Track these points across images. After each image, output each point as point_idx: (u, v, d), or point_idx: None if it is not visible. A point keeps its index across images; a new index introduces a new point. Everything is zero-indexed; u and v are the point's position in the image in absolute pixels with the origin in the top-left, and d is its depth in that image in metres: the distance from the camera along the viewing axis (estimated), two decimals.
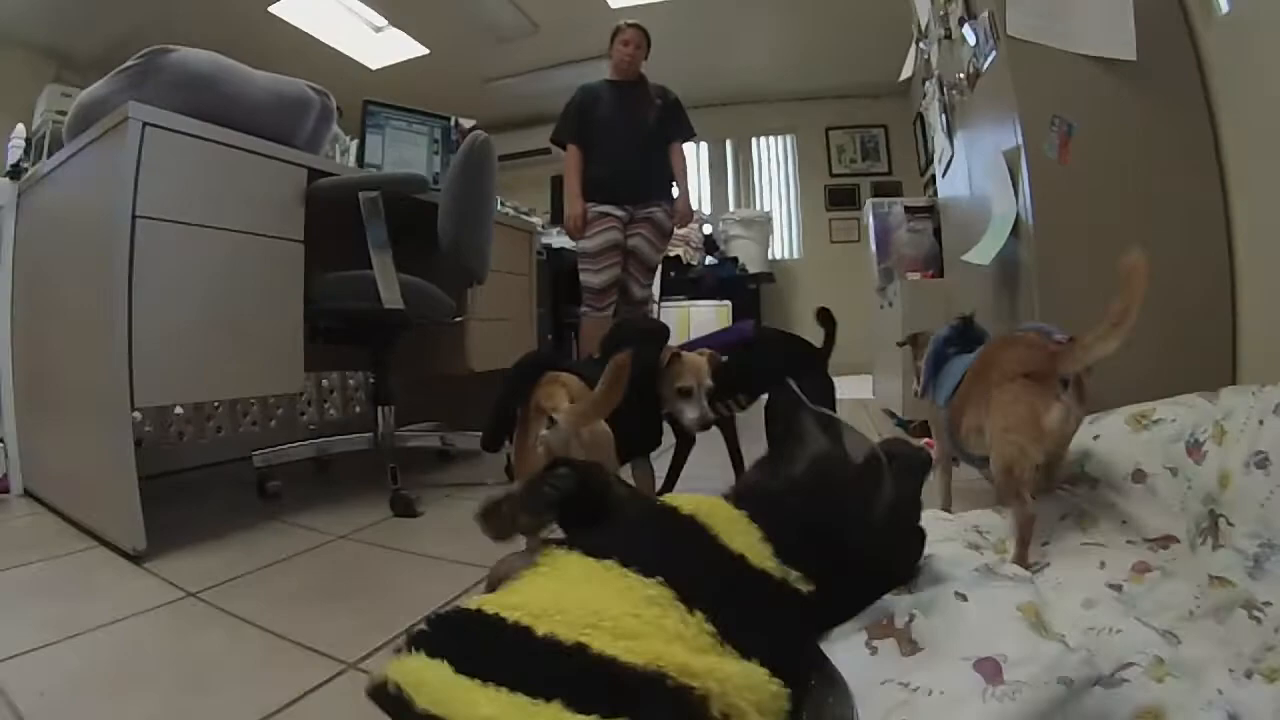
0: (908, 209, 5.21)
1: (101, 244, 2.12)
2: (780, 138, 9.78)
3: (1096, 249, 2.43)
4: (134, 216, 2.09)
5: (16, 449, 2.96)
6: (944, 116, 4.11)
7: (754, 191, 9.94)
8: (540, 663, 0.79)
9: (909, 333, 2.53)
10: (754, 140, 9.85)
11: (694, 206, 4.84)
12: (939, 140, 4.39)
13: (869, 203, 5.58)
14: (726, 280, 8.51)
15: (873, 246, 5.40)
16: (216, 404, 3.43)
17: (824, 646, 1.05)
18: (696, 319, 8.01)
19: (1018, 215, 2.75)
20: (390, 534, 2.40)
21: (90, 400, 2.25)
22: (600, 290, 4.34)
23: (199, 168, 2.29)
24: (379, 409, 2.97)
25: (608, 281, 4.34)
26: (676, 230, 4.80)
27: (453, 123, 3.99)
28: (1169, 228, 2.47)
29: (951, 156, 4.09)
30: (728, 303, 8.08)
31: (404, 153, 3.75)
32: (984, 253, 2.93)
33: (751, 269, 8.87)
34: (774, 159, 9.90)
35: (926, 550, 1.31)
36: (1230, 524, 1.47)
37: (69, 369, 2.42)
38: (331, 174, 2.68)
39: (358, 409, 4.10)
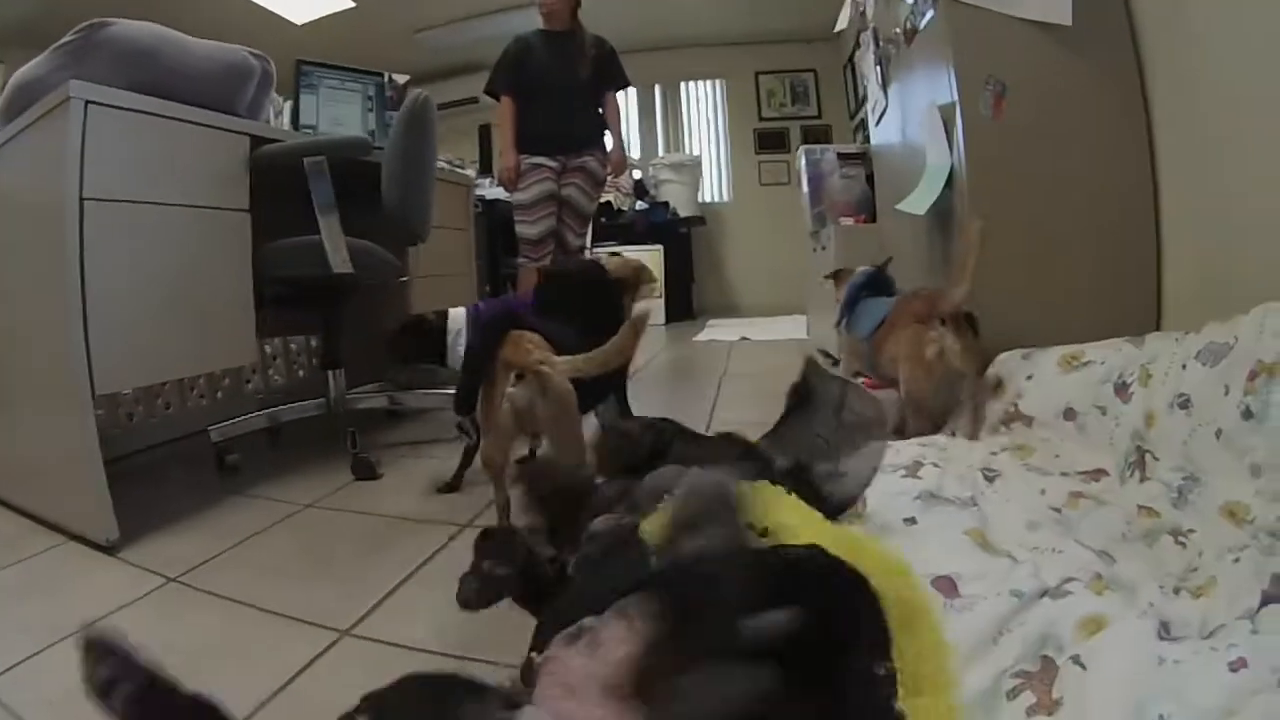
0: (840, 155, 5.28)
1: (50, 229, 2.08)
2: (710, 82, 9.79)
3: (1025, 201, 2.55)
4: (81, 199, 2.05)
5: None
6: (879, 69, 4.17)
7: (684, 136, 9.97)
8: None
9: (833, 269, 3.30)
10: (683, 85, 9.86)
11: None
12: (873, 91, 4.44)
13: (802, 149, 5.65)
14: (658, 225, 8.59)
15: (805, 191, 5.46)
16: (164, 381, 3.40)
17: None
18: None
19: (951, 167, 2.81)
20: (355, 498, 2.43)
21: (47, 390, 2.22)
22: (537, 241, 4.38)
23: (143, 144, 2.25)
24: (329, 373, 2.98)
25: (544, 232, 4.38)
26: (611, 179, 4.85)
27: (386, 79, 3.96)
28: (1097, 184, 2.59)
29: (885, 107, 4.15)
30: (659, 247, 8.14)
31: (339, 112, 3.70)
32: (919, 203, 3.00)
33: (682, 213, 8.93)
34: (703, 103, 9.91)
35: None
36: (1156, 459, 1.64)
37: (21, 359, 2.37)
38: (274, 140, 2.65)
39: (301, 373, 4.06)
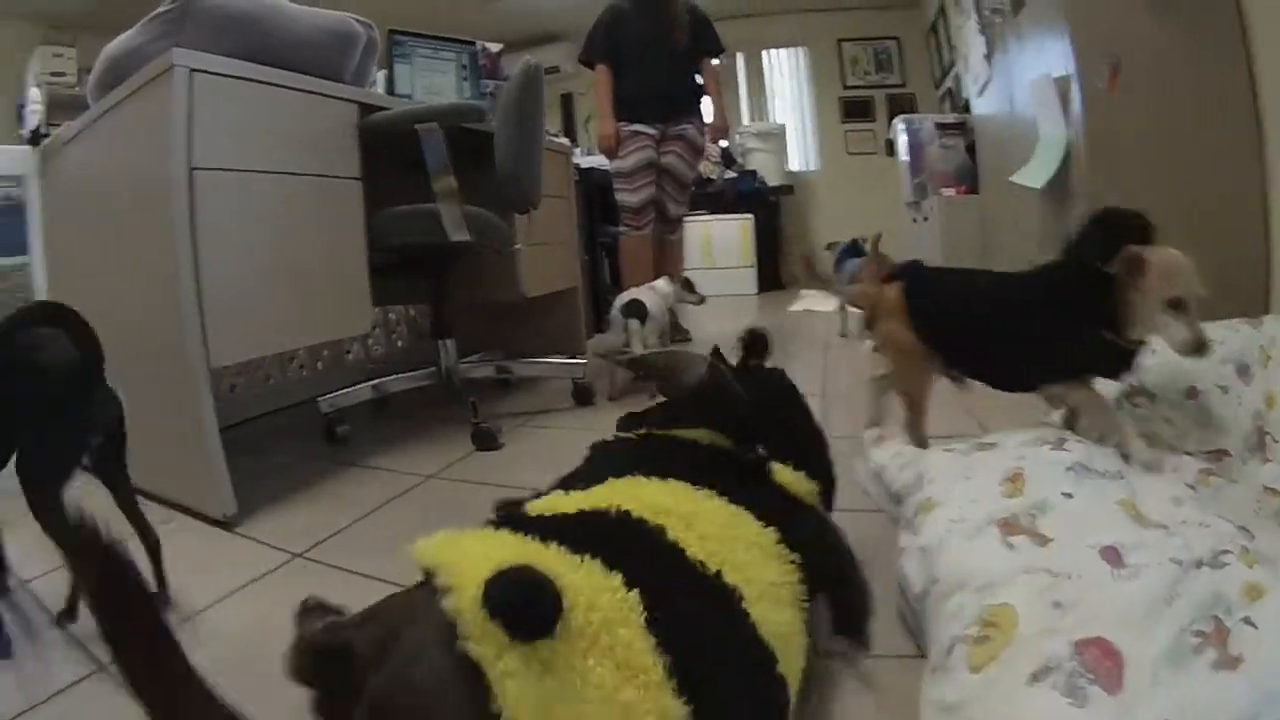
0: (939, 125, 5.19)
1: (159, 200, 2.03)
2: (791, 50, 9.58)
3: (1143, 176, 2.46)
4: (191, 169, 2.00)
5: None
6: (983, 38, 4.07)
7: (767, 104, 9.78)
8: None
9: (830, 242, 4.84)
10: (765, 53, 9.65)
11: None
12: (974, 61, 4.35)
13: (900, 119, 5.57)
14: (746, 194, 8.46)
15: (905, 160, 5.37)
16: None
17: (960, 545, 1.16)
18: (718, 234, 7.99)
19: (1067, 140, 2.74)
20: (477, 469, 2.37)
21: (161, 364, 2.16)
22: (638, 209, 4.32)
23: (250, 112, 2.20)
24: (440, 342, 2.94)
25: (645, 200, 4.32)
26: (713, 144, 4.82)
27: (479, 48, 3.93)
28: (1206, 161, 2.51)
29: (989, 78, 4.06)
30: (750, 216, 8.05)
31: (433, 81, 3.69)
32: (1036, 175, 2.92)
33: (770, 182, 8.80)
34: (786, 72, 9.72)
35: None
36: (1276, 441, 1.58)
37: (130, 333, 2.25)
38: (382, 108, 2.61)
39: (400, 343, 4.05)
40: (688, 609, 0.81)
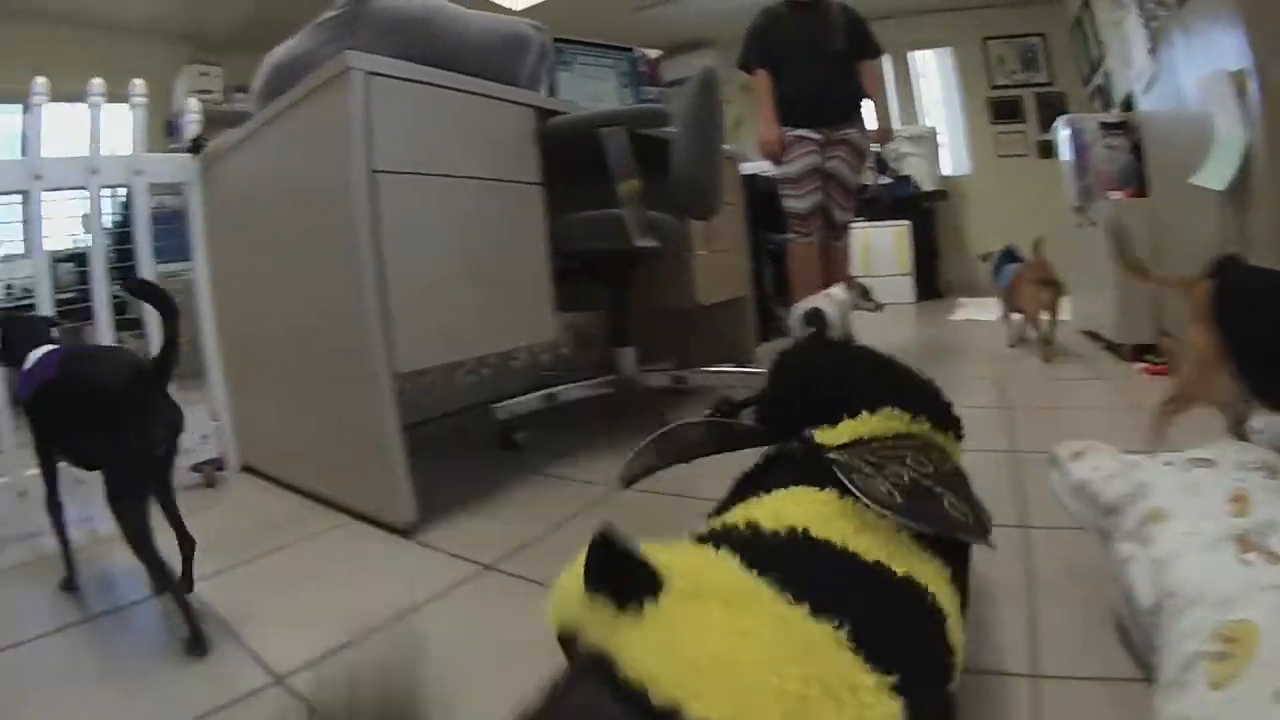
0: (1102, 125, 4.99)
1: (339, 204, 2.02)
2: (937, 50, 9.36)
3: None
4: (372, 171, 1.98)
5: (231, 425, 2.94)
6: (1146, 32, 3.91)
7: (916, 107, 9.57)
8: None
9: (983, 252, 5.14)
10: (910, 55, 9.45)
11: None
12: (1136, 57, 4.18)
13: (1062, 118, 5.35)
14: (902, 199, 8.30)
15: (1068, 162, 5.17)
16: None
17: (1197, 558, 1.05)
18: (875, 241, 7.86)
19: (1245, 140, 2.58)
20: (666, 480, 2.25)
21: (342, 369, 2.16)
22: (806, 215, 4.23)
23: (427, 115, 2.17)
24: (619, 350, 2.90)
25: (812, 206, 4.23)
26: (876, 149, 4.70)
27: (637, 54, 3.90)
28: None
29: (1155, 74, 3.89)
30: (906, 223, 7.89)
31: (594, 88, 3.67)
32: (1218, 176, 2.75)
33: (924, 187, 8.63)
34: (932, 73, 9.50)
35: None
36: None
37: (308, 339, 2.34)
38: (559, 113, 2.58)
39: (564, 350, 4.03)
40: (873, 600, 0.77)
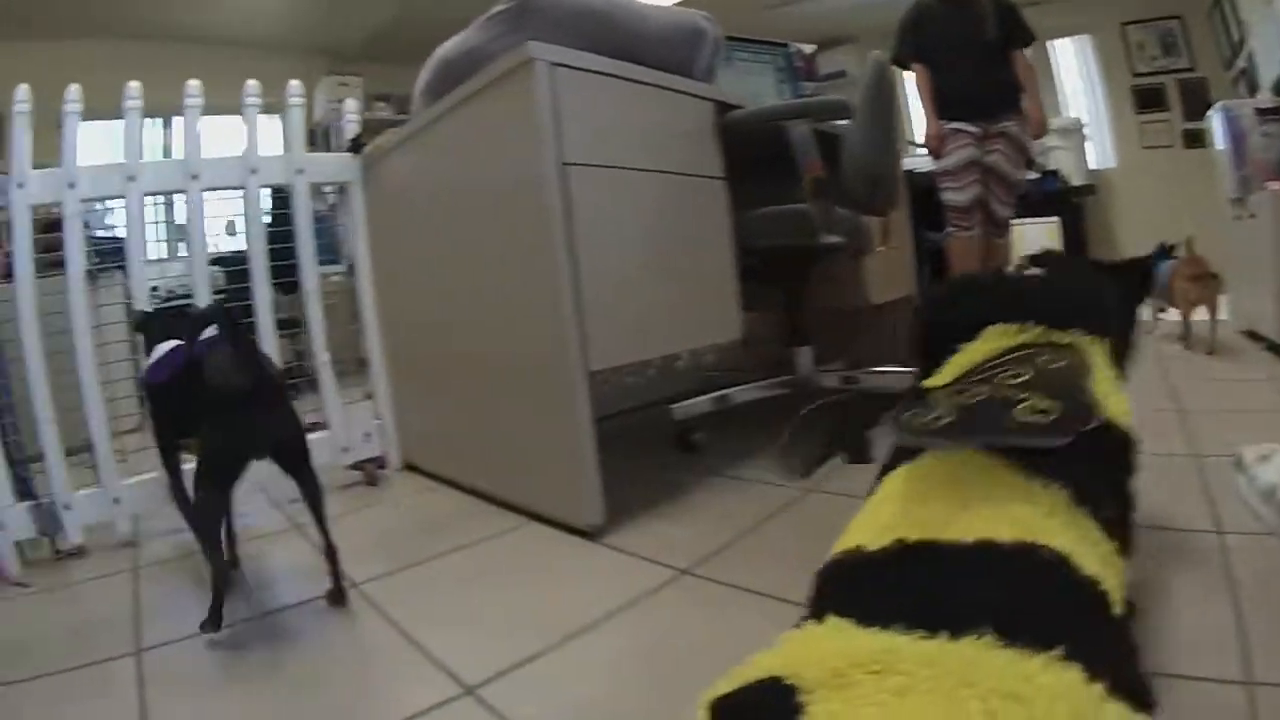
0: (1258, 111, 4.75)
1: (529, 198, 1.99)
2: (1075, 38, 9.01)
3: None
4: (562, 164, 1.95)
5: (393, 424, 2.95)
6: None
7: (1058, 98, 9.18)
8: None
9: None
10: (1049, 44, 9.08)
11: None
12: None
13: (1218, 105, 5.11)
14: (1051, 195, 7.95)
15: (1224, 151, 4.94)
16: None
17: None
18: (1028, 239, 7.61)
19: None
20: (854, 482, 2.17)
21: (528, 367, 2.12)
22: (965, 208, 4.13)
23: (611, 107, 2.13)
24: (796, 350, 2.83)
25: (971, 199, 4.13)
26: (1033, 143, 4.48)
27: (793, 49, 3.83)
28: None
29: None
30: (1055, 219, 7.62)
31: (753, 84, 3.60)
32: None
33: (1072, 181, 8.26)
34: (1072, 62, 9.15)
35: None
36: None
37: (485, 336, 2.32)
38: (736, 106, 2.52)
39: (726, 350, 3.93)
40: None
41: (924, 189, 4.33)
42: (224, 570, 1.60)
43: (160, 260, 3.89)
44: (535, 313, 2.04)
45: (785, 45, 3.76)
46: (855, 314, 3.20)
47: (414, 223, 2.66)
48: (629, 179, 2.14)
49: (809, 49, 3.95)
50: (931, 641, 0.61)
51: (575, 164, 1.98)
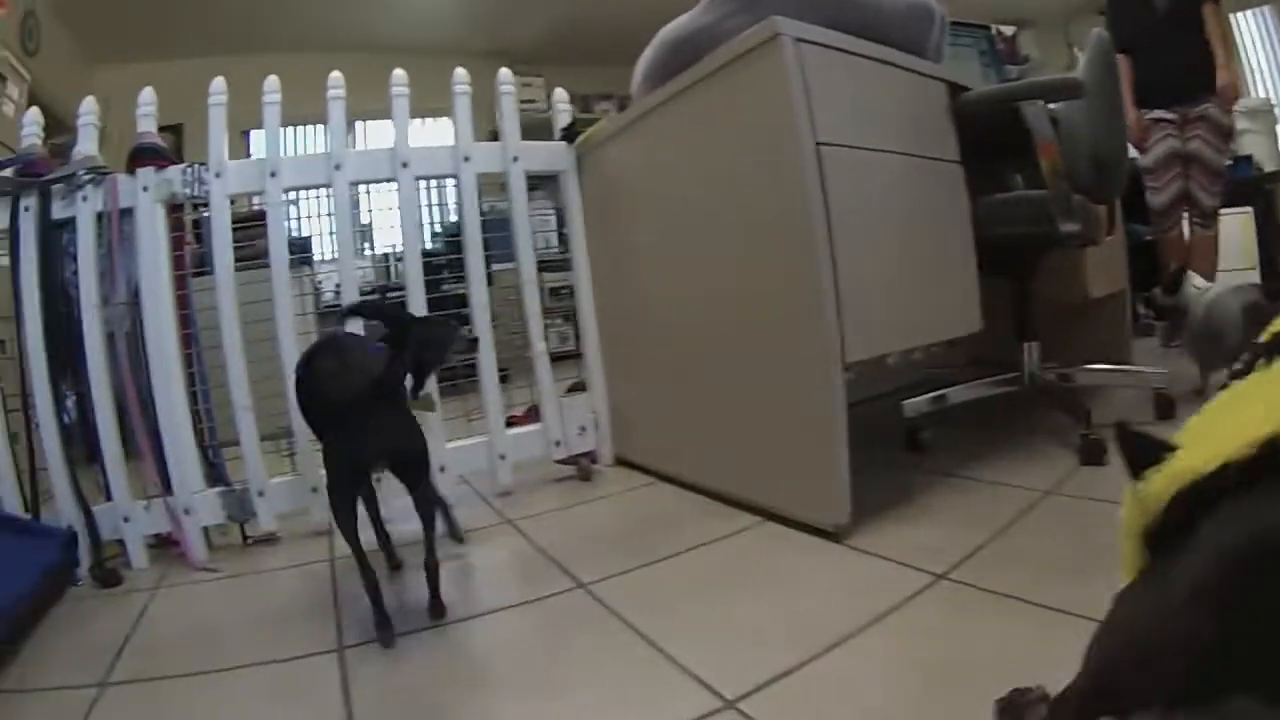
0: None
1: (780, 181, 1.90)
2: (1257, 10, 8.38)
3: None
4: (817, 144, 1.84)
5: (607, 417, 2.90)
6: None
7: (1245, 76, 8.55)
8: None
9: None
10: (1233, 17, 8.59)
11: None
12: None
13: None
14: (1243, 183, 7.14)
15: None
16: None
17: None
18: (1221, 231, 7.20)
19: None
20: (1096, 485, 2.04)
21: (772, 358, 2.02)
22: (1163, 210, 3.99)
23: (853, 85, 2.03)
24: (1025, 345, 2.68)
25: (1171, 199, 3.98)
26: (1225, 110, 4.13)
27: (993, 31, 3.67)
28: None
29: None
30: (1247, 210, 7.10)
31: (959, 68, 3.45)
32: None
33: (1265, 167, 7.61)
34: (1257, 37, 8.59)
35: None
36: None
37: (719, 327, 2.22)
38: (966, 88, 2.39)
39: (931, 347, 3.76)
40: None
41: (1131, 178, 4.11)
42: (371, 579, 1.58)
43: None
44: (785, 301, 1.94)
45: (986, 28, 3.60)
46: (1071, 309, 3.01)
47: (636, 211, 2.60)
48: (876, 161, 2.04)
49: (1009, 30, 3.79)
50: None
51: (828, 144, 1.88)
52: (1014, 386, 2.66)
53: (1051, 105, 2.54)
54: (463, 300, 2.71)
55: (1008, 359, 2.73)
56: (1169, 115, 3.88)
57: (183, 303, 2.46)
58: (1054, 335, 2.82)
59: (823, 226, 1.83)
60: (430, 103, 2.67)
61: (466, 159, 2.69)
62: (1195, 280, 2.84)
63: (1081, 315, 3.11)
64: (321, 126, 2.62)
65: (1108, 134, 2.53)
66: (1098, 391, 2.92)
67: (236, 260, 2.47)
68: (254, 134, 2.48)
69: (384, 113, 2.63)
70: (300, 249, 2.99)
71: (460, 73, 2.71)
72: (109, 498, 2.34)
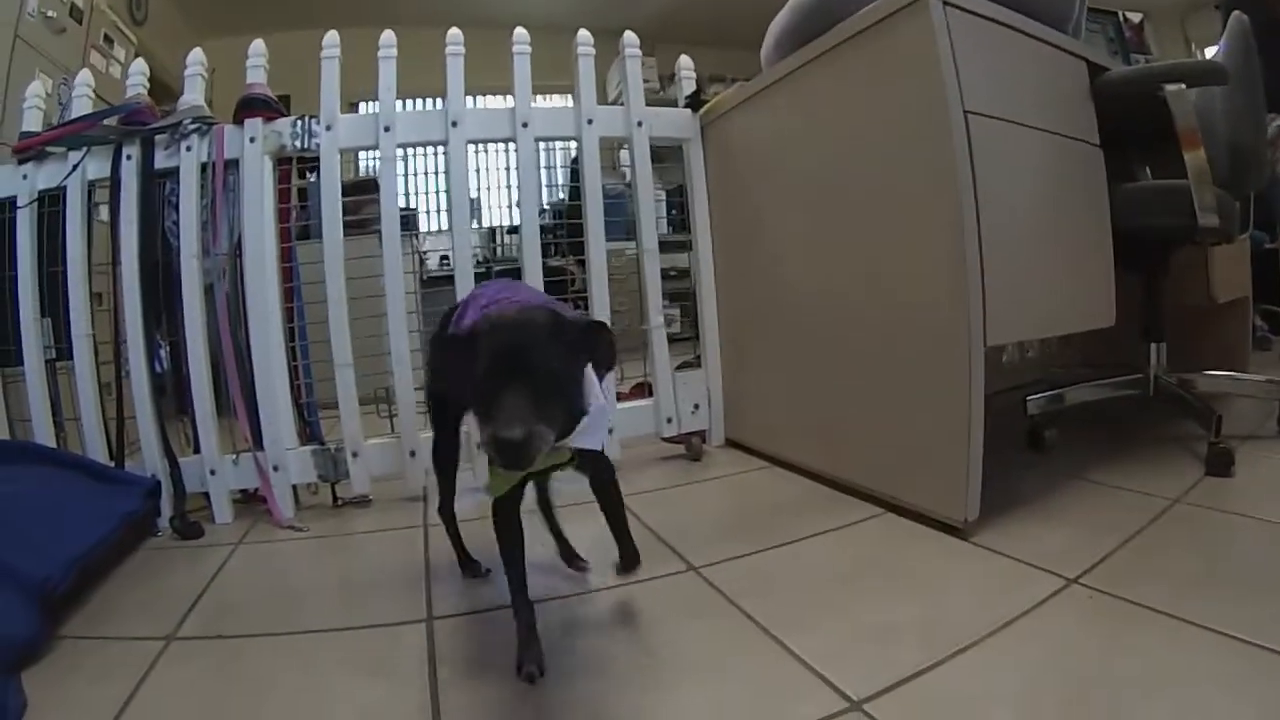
0: None
1: (923, 151, 1.81)
2: None
3: None
4: (965, 112, 1.76)
5: (721, 398, 2.83)
6: None
7: None
8: None
9: None
10: None
11: None
12: None
13: None
14: None
15: None
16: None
17: None
18: None
19: None
20: (1225, 496, 1.94)
21: (906, 340, 1.93)
22: None
23: (999, 56, 1.93)
24: (1150, 345, 2.56)
25: None
26: None
27: (1121, 18, 3.54)
28: None
29: None
30: None
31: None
32: None
33: None
34: None
35: None
36: None
37: (852, 305, 2.12)
38: (1105, 68, 2.28)
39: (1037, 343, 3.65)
40: None
41: None
42: (524, 615, 1.32)
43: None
44: (924, 279, 1.86)
45: (1114, 14, 3.46)
46: (1195, 313, 2.88)
47: (761, 184, 2.52)
48: (1021, 135, 1.95)
49: (1136, 17, 3.62)
50: None
51: (976, 113, 1.78)
52: (1136, 390, 2.54)
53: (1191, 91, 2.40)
54: (559, 272, 2.66)
55: (1122, 361, 2.63)
56: None
57: (286, 256, 2.43)
58: (1175, 339, 2.70)
59: (970, 200, 1.73)
60: (543, 80, 2.59)
61: (590, 121, 2.64)
62: None
63: (1204, 320, 2.97)
64: (432, 101, 2.58)
65: (1248, 124, 2.41)
66: (1217, 400, 2.80)
67: (344, 229, 2.45)
68: (362, 106, 2.44)
69: (498, 88, 2.59)
70: (405, 221, 2.95)
71: (584, 34, 2.68)
72: (197, 450, 2.33)
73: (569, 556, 1.76)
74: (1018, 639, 1.29)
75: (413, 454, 2.40)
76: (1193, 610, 1.30)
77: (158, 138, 2.36)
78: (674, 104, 2.91)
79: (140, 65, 2.54)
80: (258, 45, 2.46)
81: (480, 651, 1.38)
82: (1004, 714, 1.08)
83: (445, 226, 3.04)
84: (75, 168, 2.33)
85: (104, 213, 2.46)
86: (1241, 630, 1.22)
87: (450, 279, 2.53)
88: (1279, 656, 1.14)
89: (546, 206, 4.99)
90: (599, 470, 1.48)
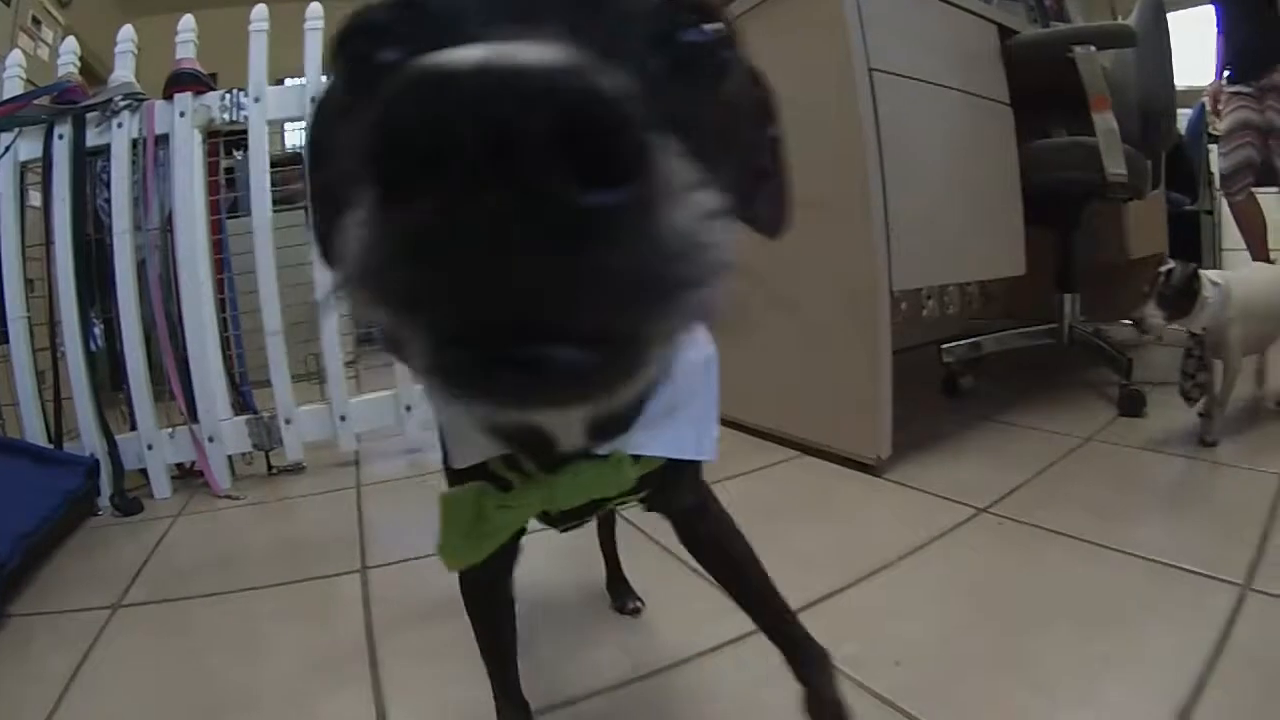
0: None
1: (831, 107, 1.87)
2: None
3: None
4: (870, 69, 1.82)
5: None
6: None
7: None
8: None
9: None
10: None
11: None
12: None
13: None
14: None
15: None
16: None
17: None
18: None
19: None
20: (1136, 433, 2.04)
21: (819, 289, 1.98)
22: (1229, 174, 3.83)
23: (904, 15, 1.99)
24: (1063, 297, 2.62)
25: (1237, 163, 3.78)
26: None
27: None
28: None
29: None
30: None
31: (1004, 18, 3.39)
32: None
33: None
34: None
35: None
36: None
37: (764, 257, 2.14)
38: (1015, 32, 2.34)
39: (970, 303, 3.77)
40: None
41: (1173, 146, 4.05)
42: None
43: None
44: (833, 228, 1.91)
45: None
46: (1111, 268, 2.96)
47: None
48: (927, 93, 2.01)
49: None
50: None
51: (881, 70, 1.85)
52: (1051, 339, 2.62)
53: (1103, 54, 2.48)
54: None
55: (1042, 316, 2.68)
56: (1244, 88, 3.76)
57: (216, 229, 2.44)
58: (1092, 294, 2.78)
59: (875, 153, 1.80)
60: None
61: None
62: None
63: (1121, 275, 3.06)
64: None
65: (1156, 85, 2.49)
66: (1132, 350, 2.90)
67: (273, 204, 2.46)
68: (289, 82, 2.43)
69: None
70: None
71: None
72: (133, 427, 2.32)
73: (620, 591, 1.36)
74: (927, 561, 1.37)
75: (343, 418, 2.42)
76: (1099, 532, 1.38)
77: (89, 115, 2.33)
78: None
79: (71, 44, 2.52)
80: (187, 20, 2.45)
81: (414, 596, 1.41)
82: (913, 625, 1.15)
83: None
84: (7, 149, 2.31)
85: (35, 198, 2.44)
86: (1148, 551, 1.30)
87: None
88: (1180, 571, 1.22)
89: None
90: (695, 508, 0.90)
